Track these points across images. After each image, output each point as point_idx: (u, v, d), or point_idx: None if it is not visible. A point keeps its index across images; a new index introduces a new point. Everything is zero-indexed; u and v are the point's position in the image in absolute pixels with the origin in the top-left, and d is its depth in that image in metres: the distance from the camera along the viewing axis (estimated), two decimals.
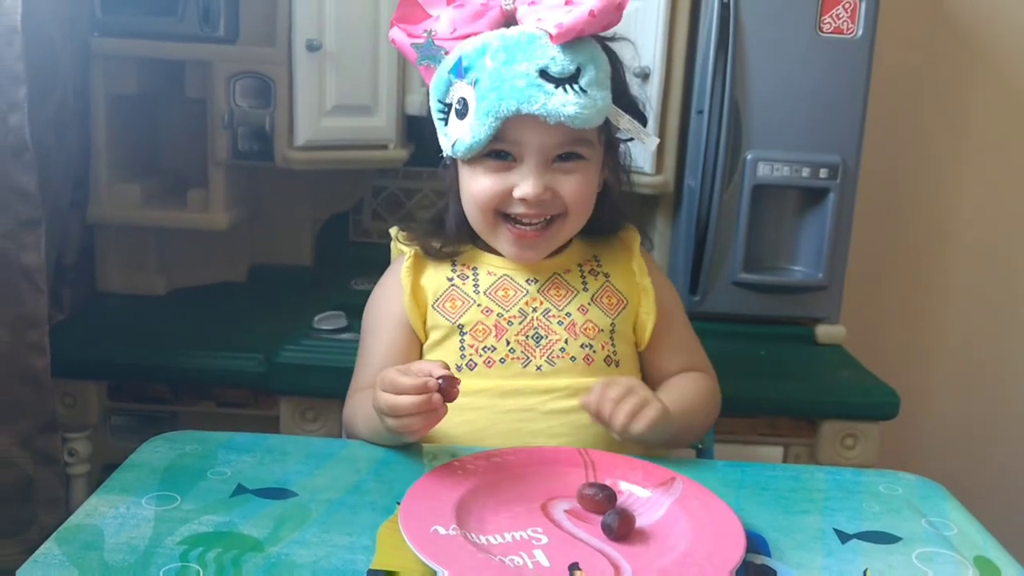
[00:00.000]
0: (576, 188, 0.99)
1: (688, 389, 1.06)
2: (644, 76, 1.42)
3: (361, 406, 0.98)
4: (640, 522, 0.77)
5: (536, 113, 0.92)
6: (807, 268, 1.49)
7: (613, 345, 1.05)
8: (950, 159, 1.81)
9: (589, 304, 1.05)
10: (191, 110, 1.51)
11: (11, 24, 1.04)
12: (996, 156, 1.81)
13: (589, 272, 1.07)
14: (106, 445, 1.36)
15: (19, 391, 1.11)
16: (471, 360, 1.01)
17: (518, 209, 0.99)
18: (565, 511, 0.78)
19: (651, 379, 1.07)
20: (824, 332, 1.50)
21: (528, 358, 1.01)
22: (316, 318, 1.38)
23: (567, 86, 0.93)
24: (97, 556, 0.68)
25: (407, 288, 1.04)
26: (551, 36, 0.92)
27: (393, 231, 1.12)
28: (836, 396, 1.36)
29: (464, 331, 1.02)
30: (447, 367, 0.88)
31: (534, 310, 1.03)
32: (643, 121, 1.03)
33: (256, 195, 1.62)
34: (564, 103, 0.92)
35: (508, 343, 1.01)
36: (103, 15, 1.41)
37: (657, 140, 1.04)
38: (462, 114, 0.96)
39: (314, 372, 1.30)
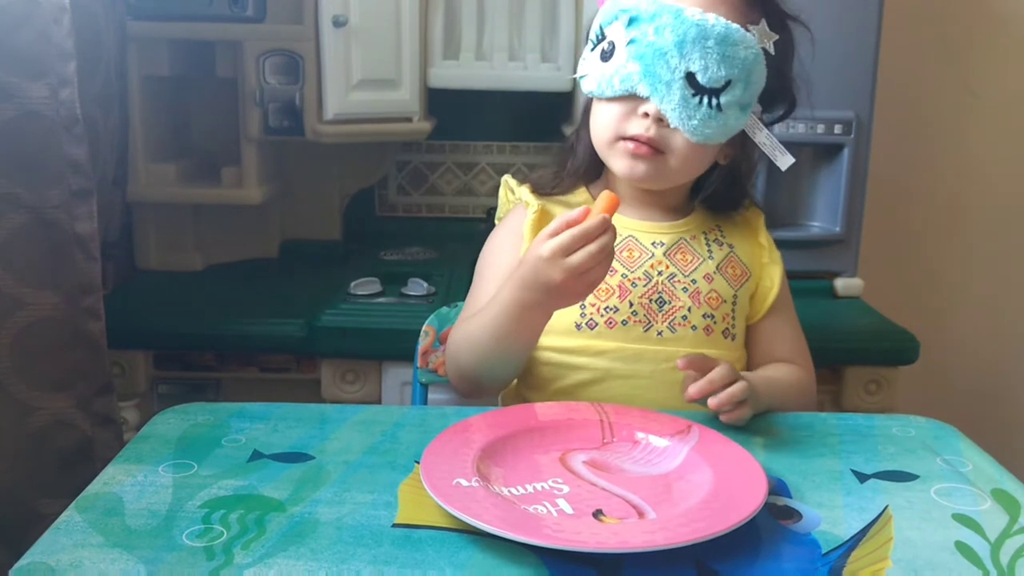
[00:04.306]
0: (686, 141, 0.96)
1: (789, 386, 1.03)
2: None
3: (475, 322, 0.96)
4: (659, 469, 0.78)
5: (663, 112, 0.93)
6: (825, 223, 1.53)
7: (733, 317, 1.03)
8: (964, 111, 1.84)
9: (715, 273, 1.03)
10: (221, 90, 1.55)
11: (60, 3, 1.08)
12: (1010, 106, 1.83)
13: (714, 241, 1.05)
14: (154, 413, 1.39)
15: (76, 356, 1.15)
16: (591, 319, 0.99)
17: (637, 129, 0.96)
18: (584, 462, 0.79)
19: (755, 356, 1.06)
20: (843, 285, 1.53)
21: (650, 322, 1.00)
22: (352, 284, 1.42)
23: (705, 98, 0.92)
24: (119, 521, 0.68)
25: (528, 243, 1.00)
26: None
27: (511, 181, 1.10)
28: (858, 343, 1.40)
29: None
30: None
31: (659, 274, 1.01)
32: (791, 105, 1.03)
33: (286, 172, 1.67)
34: (692, 116, 0.93)
35: (631, 305, 0.99)
36: None
37: (792, 160, 0.99)
38: (606, 56, 0.96)
39: (353, 335, 1.34)
